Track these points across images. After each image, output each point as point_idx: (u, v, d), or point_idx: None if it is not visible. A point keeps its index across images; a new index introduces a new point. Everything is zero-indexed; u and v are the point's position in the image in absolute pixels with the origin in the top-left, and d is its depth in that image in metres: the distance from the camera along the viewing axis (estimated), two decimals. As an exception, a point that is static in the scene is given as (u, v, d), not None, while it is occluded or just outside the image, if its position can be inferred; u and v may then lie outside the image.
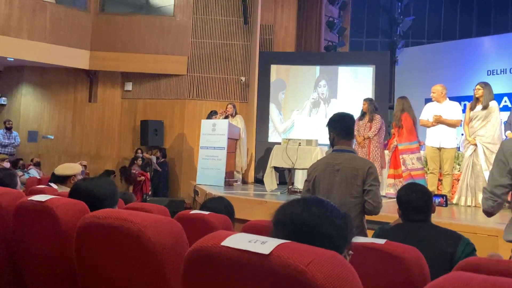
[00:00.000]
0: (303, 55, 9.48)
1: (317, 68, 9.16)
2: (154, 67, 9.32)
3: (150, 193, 8.66)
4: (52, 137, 9.56)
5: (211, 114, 7.97)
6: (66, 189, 3.01)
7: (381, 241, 1.60)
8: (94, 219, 1.15)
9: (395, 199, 5.86)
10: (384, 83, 8.90)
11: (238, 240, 0.81)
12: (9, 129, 8.77)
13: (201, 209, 2.36)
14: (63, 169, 3.43)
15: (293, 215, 0.95)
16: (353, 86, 8.95)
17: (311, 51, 9.66)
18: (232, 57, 9.39)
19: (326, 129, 2.65)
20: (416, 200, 1.99)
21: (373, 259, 1.59)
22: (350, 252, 1.02)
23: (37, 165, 8.69)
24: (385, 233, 1.94)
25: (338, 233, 0.96)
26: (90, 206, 1.52)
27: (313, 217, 0.94)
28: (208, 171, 7.01)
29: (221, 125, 7.10)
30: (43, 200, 1.43)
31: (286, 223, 0.95)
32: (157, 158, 9.07)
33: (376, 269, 1.58)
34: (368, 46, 11.23)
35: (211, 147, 7.09)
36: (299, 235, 0.87)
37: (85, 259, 1.23)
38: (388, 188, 5.86)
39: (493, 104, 5.16)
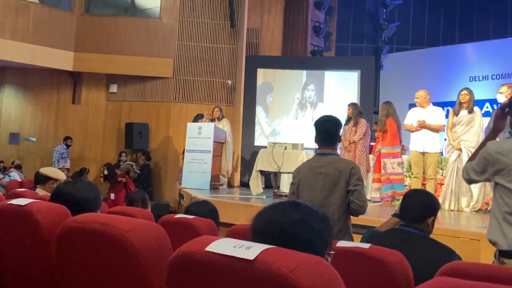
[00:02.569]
0: (289, 59, 9.52)
1: (304, 72, 9.22)
2: (140, 69, 9.24)
3: None
4: (34, 139, 9.38)
5: (197, 118, 7.94)
6: (47, 193, 2.96)
7: (366, 245, 1.60)
8: (75, 224, 1.12)
9: (380, 203, 5.89)
10: (369, 88, 9.00)
11: (223, 245, 0.80)
12: (-11, 131, 8.58)
13: (185, 213, 2.33)
14: (47, 170, 3.41)
15: (271, 222, 0.94)
16: (339, 91, 9.02)
17: (298, 56, 9.72)
18: (219, 60, 9.38)
19: (312, 133, 2.66)
20: (421, 197, 2.02)
21: (358, 262, 1.59)
22: (331, 252, 1.01)
23: (18, 167, 8.53)
24: (377, 238, 1.94)
25: (317, 237, 0.95)
26: (72, 210, 1.49)
27: (291, 223, 0.93)
28: (194, 175, 6.96)
29: (207, 128, 7.07)
30: (23, 204, 1.40)
31: (264, 230, 0.94)
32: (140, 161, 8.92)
33: (361, 273, 1.58)
34: (354, 51, 11.35)
35: (196, 151, 7.05)
36: (279, 242, 0.86)
37: (66, 265, 1.20)
38: (374, 192, 5.91)
39: (477, 109, 5.26)
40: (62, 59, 9.07)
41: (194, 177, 6.93)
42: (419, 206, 1.99)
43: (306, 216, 0.95)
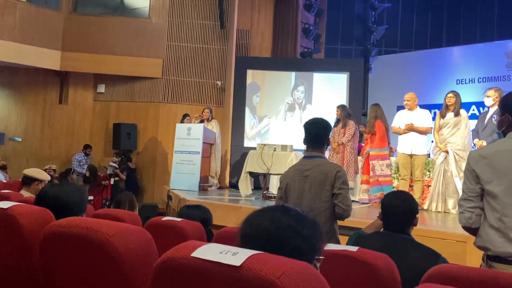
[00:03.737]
0: (279, 61, 9.54)
1: (293, 74, 9.24)
2: (128, 69, 9.16)
3: (109, 198, 8.42)
4: (20, 139, 9.23)
5: (184, 118, 7.92)
6: (32, 195, 2.92)
7: (354, 249, 1.60)
8: (59, 228, 1.10)
9: (368, 204, 5.93)
10: (358, 90, 9.06)
11: (209, 251, 0.79)
12: (-26, 131, 8.43)
13: (179, 215, 2.32)
14: (32, 171, 3.37)
15: (260, 228, 0.93)
16: (328, 93, 9.06)
17: (287, 57, 9.73)
18: (208, 61, 9.35)
19: (301, 135, 2.67)
20: (399, 207, 1.99)
21: (346, 266, 1.59)
22: (321, 257, 1.01)
23: (3, 168, 8.37)
24: (363, 241, 1.94)
25: (306, 244, 0.94)
26: (57, 213, 1.46)
27: (280, 230, 0.92)
28: (183, 176, 6.92)
29: (196, 129, 7.04)
30: (5, 207, 1.37)
31: (253, 236, 0.93)
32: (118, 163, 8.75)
33: (348, 277, 1.58)
34: (343, 53, 11.41)
35: (185, 152, 7.01)
36: (267, 248, 0.85)
37: (50, 270, 1.18)
38: (363, 193, 5.94)
39: (463, 112, 5.32)
40: (49, 58, 8.95)
41: (183, 178, 6.89)
42: (399, 219, 1.98)
43: (295, 222, 0.94)
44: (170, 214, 6.24)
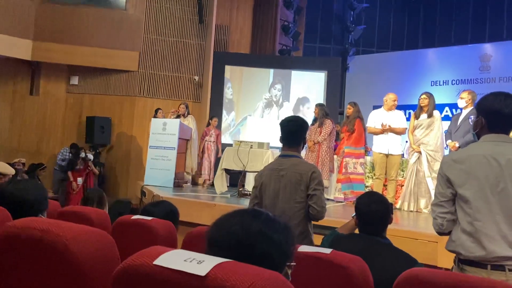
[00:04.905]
0: (257, 57, 9.49)
1: (271, 71, 9.21)
2: (103, 61, 8.92)
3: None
4: (-13, 131, 8.87)
5: (156, 112, 7.81)
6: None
7: (327, 251, 1.57)
8: (14, 229, 1.02)
9: (343, 203, 5.96)
10: (335, 89, 9.12)
11: (172, 259, 0.74)
12: None
13: (142, 213, 2.23)
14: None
15: (229, 233, 0.88)
16: (305, 91, 9.08)
17: (266, 54, 9.70)
18: (186, 55, 9.20)
19: (277, 132, 2.63)
20: (375, 212, 1.98)
21: (318, 268, 1.56)
22: (292, 264, 0.96)
23: (-31, 161, 8.01)
24: (341, 242, 1.92)
25: (277, 250, 0.89)
26: (16, 212, 1.37)
27: (250, 235, 0.87)
28: (157, 172, 6.80)
29: (172, 124, 6.92)
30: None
31: (221, 242, 0.88)
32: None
33: (321, 279, 1.56)
34: (321, 52, 11.45)
35: (160, 147, 6.88)
36: (236, 255, 0.80)
37: (3, 274, 1.09)
38: (338, 192, 5.97)
39: (436, 113, 5.42)
40: (19, 48, 8.61)
41: (157, 174, 6.77)
42: (375, 222, 1.97)
43: (266, 227, 0.90)
44: (141, 209, 6.11)
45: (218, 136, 7.68)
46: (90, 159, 8.08)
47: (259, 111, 9.12)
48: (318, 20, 11.43)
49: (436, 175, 5.21)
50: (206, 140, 7.53)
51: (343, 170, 5.84)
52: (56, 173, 8.62)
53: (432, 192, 5.29)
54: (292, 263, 0.94)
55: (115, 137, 9.07)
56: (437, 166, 5.21)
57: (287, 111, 8.81)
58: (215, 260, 0.72)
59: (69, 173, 7.78)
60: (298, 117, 2.64)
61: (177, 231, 2.21)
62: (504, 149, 1.75)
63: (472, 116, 4.95)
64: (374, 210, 1.96)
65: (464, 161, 1.80)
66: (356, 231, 2.12)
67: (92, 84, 9.20)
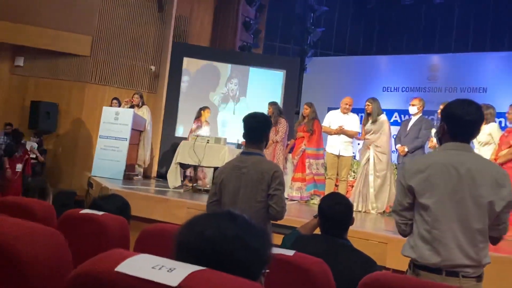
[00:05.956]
0: (217, 51, 9.36)
1: (229, 66, 9.13)
2: (52, 43, 8.38)
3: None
4: None
5: (112, 101, 7.48)
6: None
7: (290, 253, 1.54)
8: None
9: (297, 201, 6.02)
10: (293, 89, 9.21)
11: (138, 265, 0.65)
12: None
13: (90, 207, 2.09)
14: None
15: (202, 237, 0.81)
16: (262, 88, 9.09)
17: (226, 49, 9.59)
18: (143, 43, 8.86)
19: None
20: (338, 213, 1.97)
21: (280, 270, 1.53)
22: (266, 271, 0.91)
23: None
24: (303, 243, 1.89)
25: (254, 257, 0.83)
26: None
27: (227, 240, 0.81)
28: (106, 163, 6.51)
29: (125, 114, 6.66)
30: None
31: (192, 246, 0.80)
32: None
33: (282, 281, 1.52)
34: (281, 51, 11.50)
35: (111, 137, 6.60)
36: (209, 262, 0.73)
37: None
38: (296, 191, 6.02)
39: (383, 117, 5.65)
40: (-43, 22, 7.91)
41: (107, 165, 6.48)
42: (338, 224, 1.98)
43: (243, 232, 0.83)
44: (88, 206, 5.82)
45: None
46: (34, 147, 7.58)
47: (215, 105, 9.00)
48: (279, 19, 11.45)
49: (379, 174, 5.45)
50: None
51: (307, 171, 5.93)
52: None
53: (371, 190, 5.51)
54: (266, 271, 0.89)
55: (62, 124, 8.58)
56: (380, 166, 5.45)
57: (243, 106, 8.79)
58: (188, 268, 0.65)
59: (5, 159, 7.24)
60: (261, 113, 2.59)
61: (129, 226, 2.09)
62: (464, 158, 1.80)
63: (437, 120, 5.19)
64: (337, 212, 1.96)
65: (425, 169, 1.83)
66: (317, 231, 2.12)
67: (39, 66, 8.63)
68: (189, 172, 6.69)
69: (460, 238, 1.74)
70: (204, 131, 6.79)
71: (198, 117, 6.95)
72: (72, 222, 1.89)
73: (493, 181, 1.74)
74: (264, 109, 6.56)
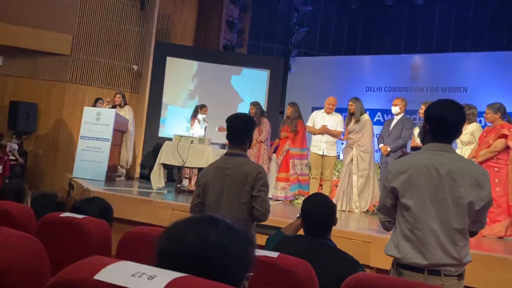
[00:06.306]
0: (200, 51, 9.30)
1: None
2: (31, 42, 8.20)
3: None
4: None
5: (96, 102, 7.35)
6: None
7: (274, 254, 1.54)
8: None
9: (281, 201, 6.03)
10: (277, 88, 9.22)
11: (118, 273, 0.64)
12: None
13: (71, 210, 2.04)
14: None
15: (183, 244, 0.79)
16: (247, 88, 9.08)
17: (209, 48, 9.54)
18: (125, 43, 8.75)
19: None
20: (321, 214, 1.97)
21: (264, 272, 1.52)
22: (250, 275, 0.90)
23: None
24: (286, 244, 1.89)
25: (236, 262, 0.82)
26: None
27: (208, 247, 0.79)
28: (88, 164, 6.41)
29: (107, 114, 6.56)
30: None
31: (173, 254, 0.79)
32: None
33: (267, 283, 1.52)
34: (265, 51, 11.50)
35: (93, 138, 6.49)
36: (191, 269, 0.71)
37: None
38: (280, 191, 6.03)
39: (365, 116, 5.71)
40: None
41: (88, 167, 6.38)
42: (321, 225, 1.98)
43: (225, 238, 0.82)
44: (69, 209, 5.72)
45: None
46: (14, 149, 7.41)
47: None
48: (264, 19, 11.45)
49: (362, 174, 5.51)
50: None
51: (292, 171, 5.94)
52: None
53: (355, 190, 5.56)
54: (249, 274, 0.88)
55: (42, 124, 8.40)
56: (363, 165, 5.52)
57: (228, 107, 8.75)
58: (169, 275, 0.63)
59: None
60: (245, 114, 2.59)
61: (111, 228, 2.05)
62: (445, 159, 1.82)
63: (421, 121, 5.26)
64: (319, 212, 1.97)
65: (407, 170, 1.85)
66: (301, 231, 2.12)
67: (18, 65, 8.44)
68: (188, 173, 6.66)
69: (441, 237, 1.77)
70: (196, 128, 6.76)
71: (195, 115, 6.92)
72: (52, 226, 1.85)
73: (473, 182, 1.77)
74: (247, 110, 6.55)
